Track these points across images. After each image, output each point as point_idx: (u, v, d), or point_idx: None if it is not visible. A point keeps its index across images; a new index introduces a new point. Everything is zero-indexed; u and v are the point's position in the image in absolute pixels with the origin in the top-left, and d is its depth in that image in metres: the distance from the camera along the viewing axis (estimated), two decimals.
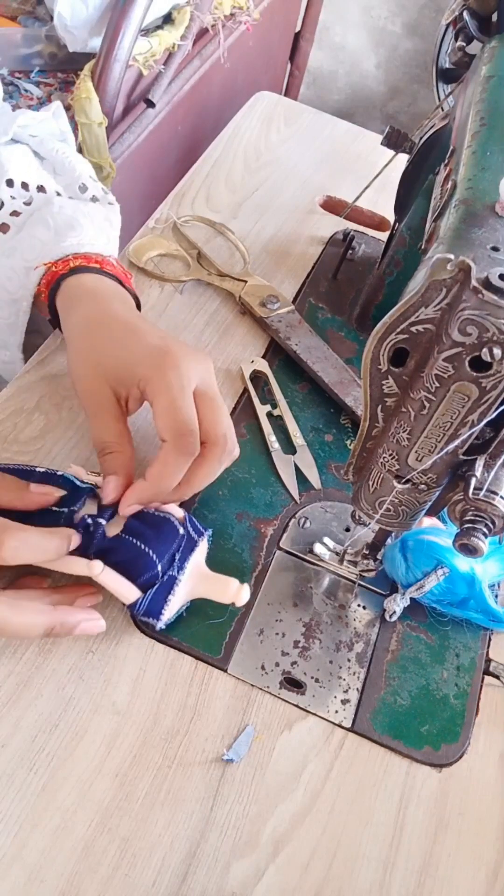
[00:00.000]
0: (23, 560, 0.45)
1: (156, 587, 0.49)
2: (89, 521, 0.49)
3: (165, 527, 0.50)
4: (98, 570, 0.47)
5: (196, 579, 0.51)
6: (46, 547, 0.46)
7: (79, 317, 0.55)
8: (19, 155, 0.62)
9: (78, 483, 0.52)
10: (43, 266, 0.58)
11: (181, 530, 0.51)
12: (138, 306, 0.60)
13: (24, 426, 0.60)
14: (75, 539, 0.48)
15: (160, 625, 0.49)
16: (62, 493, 0.50)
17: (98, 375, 0.52)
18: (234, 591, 0.50)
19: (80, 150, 0.88)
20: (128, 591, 0.48)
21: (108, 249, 0.61)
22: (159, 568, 0.49)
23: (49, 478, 0.52)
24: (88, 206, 0.62)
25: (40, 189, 0.62)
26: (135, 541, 0.49)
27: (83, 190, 0.65)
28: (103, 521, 0.49)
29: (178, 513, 0.52)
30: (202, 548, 0.52)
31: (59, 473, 0.52)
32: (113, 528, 0.50)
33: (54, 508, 0.50)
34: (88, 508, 0.51)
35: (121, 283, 0.59)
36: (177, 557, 0.50)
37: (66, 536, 0.47)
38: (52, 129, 0.67)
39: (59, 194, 0.63)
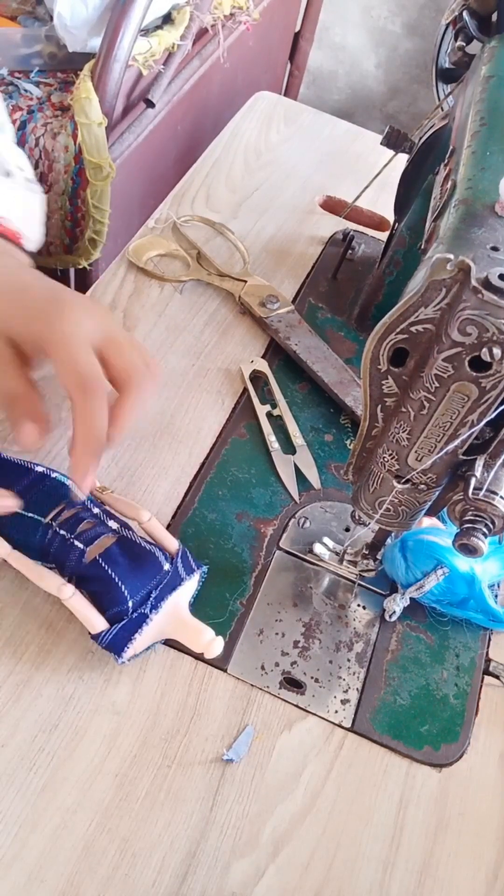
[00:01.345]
0: None
1: (123, 623, 0.47)
2: (64, 534, 0.49)
3: (148, 561, 0.49)
4: (67, 594, 0.47)
5: (171, 620, 0.49)
6: None
7: None
8: None
9: (70, 486, 0.51)
10: None
11: (166, 566, 0.49)
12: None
13: None
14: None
15: (120, 661, 0.47)
16: (17, 503, 0.49)
17: None
18: (205, 642, 0.48)
19: (79, 151, 0.88)
20: (94, 621, 0.47)
21: (24, 227, 0.60)
22: (130, 604, 0.47)
23: (42, 479, 0.52)
24: (5, 182, 0.61)
25: None
26: (110, 571, 0.48)
27: (7, 176, 0.63)
28: (81, 546, 0.48)
29: (172, 545, 0.51)
30: (188, 586, 0.51)
31: (53, 475, 0.52)
32: (93, 552, 0.49)
33: (31, 515, 0.50)
34: (65, 516, 0.50)
35: (8, 238, 0.57)
36: (153, 595, 0.48)
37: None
38: None
39: None
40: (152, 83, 0.95)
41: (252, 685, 0.51)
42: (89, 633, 0.48)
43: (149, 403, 0.51)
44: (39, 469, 0.52)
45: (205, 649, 0.48)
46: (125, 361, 0.49)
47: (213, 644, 0.48)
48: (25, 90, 0.97)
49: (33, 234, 0.62)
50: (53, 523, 0.49)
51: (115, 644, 0.47)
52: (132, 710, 0.49)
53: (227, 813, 0.46)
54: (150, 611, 0.48)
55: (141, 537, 0.51)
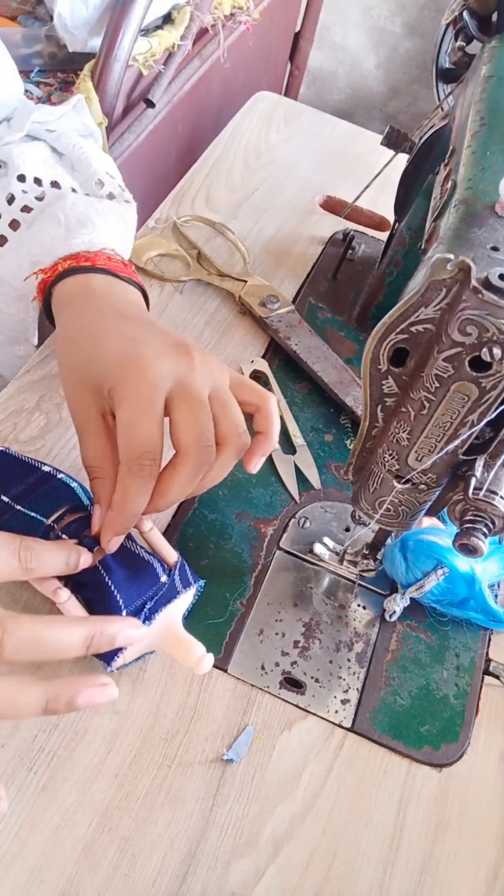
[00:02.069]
0: (34, 574, 0.44)
1: None
2: (65, 539, 0.48)
3: (145, 572, 0.49)
4: (63, 598, 0.46)
5: (163, 633, 0.48)
6: (60, 642, 0.40)
7: (60, 328, 0.52)
8: (34, 151, 0.61)
9: (77, 492, 0.51)
10: (33, 276, 0.55)
11: (162, 578, 0.49)
12: (145, 297, 0.57)
13: (24, 426, 0.60)
14: (84, 558, 0.46)
15: (109, 668, 0.47)
16: (89, 560, 0.47)
17: (77, 388, 0.48)
18: (195, 659, 0.47)
19: None
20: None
21: (121, 247, 0.59)
22: (123, 614, 0.46)
23: (48, 478, 0.51)
24: (103, 203, 0.61)
25: (54, 185, 0.61)
26: (107, 579, 0.47)
27: (100, 186, 0.63)
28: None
29: (171, 557, 0.51)
30: (183, 600, 0.50)
31: (59, 476, 0.51)
32: (94, 558, 0.48)
33: (33, 514, 0.49)
34: (67, 520, 0.50)
35: (117, 275, 0.55)
36: (147, 606, 0.47)
37: (77, 552, 0.45)
38: (73, 123, 0.66)
39: (74, 190, 0.62)
40: (152, 83, 0.95)
41: (252, 685, 0.51)
42: None
43: (218, 478, 0.47)
44: (46, 468, 0.52)
45: (195, 666, 0.47)
46: (220, 424, 0.45)
47: (203, 661, 0.47)
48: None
49: (128, 249, 0.62)
50: (56, 525, 0.49)
51: (105, 654, 0.46)
52: (132, 710, 0.49)
53: (227, 813, 0.46)
54: (144, 622, 0.47)
55: (141, 546, 0.50)
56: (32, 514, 0.50)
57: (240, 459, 0.50)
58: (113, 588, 0.47)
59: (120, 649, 0.46)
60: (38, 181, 0.60)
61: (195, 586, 0.51)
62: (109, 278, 0.54)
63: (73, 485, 0.51)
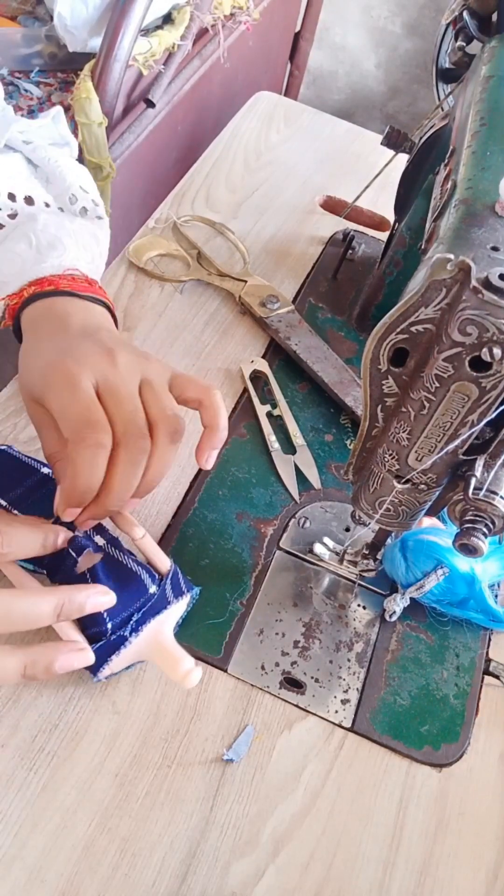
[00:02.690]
0: (9, 557, 0.44)
1: (100, 643, 0.46)
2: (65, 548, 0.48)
3: (132, 584, 0.48)
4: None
5: (150, 645, 0.47)
6: (31, 612, 0.42)
7: (21, 350, 0.53)
8: (9, 164, 0.61)
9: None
10: (1, 301, 0.56)
11: (152, 589, 0.48)
12: (113, 311, 0.57)
13: (24, 426, 0.60)
14: (62, 537, 0.46)
15: (96, 679, 0.47)
16: (112, 601, 0.46)
17: (28, 401, 0.50)
18: (182, 673, 0.46)
19: (79, 151, 0.88)
20: (71, 637, 0.46)
21: (93, 267, 0.59)
22: (109, 626, 0.46)
23: (47, 481, 0.51)
24: (75, 222, 0.61)
25: (28, 200, 0.60)
26: None
27: (73, 201, 0.63)
28: (74, 555, 0.47)
29: (164, 566, 0.50)
30: (175, 610, 0.50)
31: None
32: (84, 564, 0.48)
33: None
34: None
35: (79, 294, 0.55)
36: (134, 618, 0.47)
37: (53, 532, 0.46)
38: (51, 134, 0.66)
39: (47, 205, 0.62)
40: (152, 83, 0.95)
41: (252, 685, 0.51)
42: None
43: (162, 467, 0.47)
44: (45, 470, 0.52)
45: (182, 679, 0.46)
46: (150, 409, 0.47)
47: (190, 675, 0.46)
48: (25, 90, 0.97)
49: (100, 270, 0.61)
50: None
51: (91, 665, 0.46)
52: (132, 710, 0.49)
53: (227, 813, 0.46)
54: (130, 634, 0.47)
55: (131, 554, 0.49)
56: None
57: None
58: None
59: (105, 662, 0.46)
60: (11, 196, 0.60)
61: (188, 595, 0.51)
62: (70, 299, 0.54)
63: None
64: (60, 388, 0.46)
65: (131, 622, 0.47)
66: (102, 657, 0.46)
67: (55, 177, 0.63)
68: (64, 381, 0.46)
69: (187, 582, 0.52)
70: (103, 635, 0.46)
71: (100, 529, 0.50)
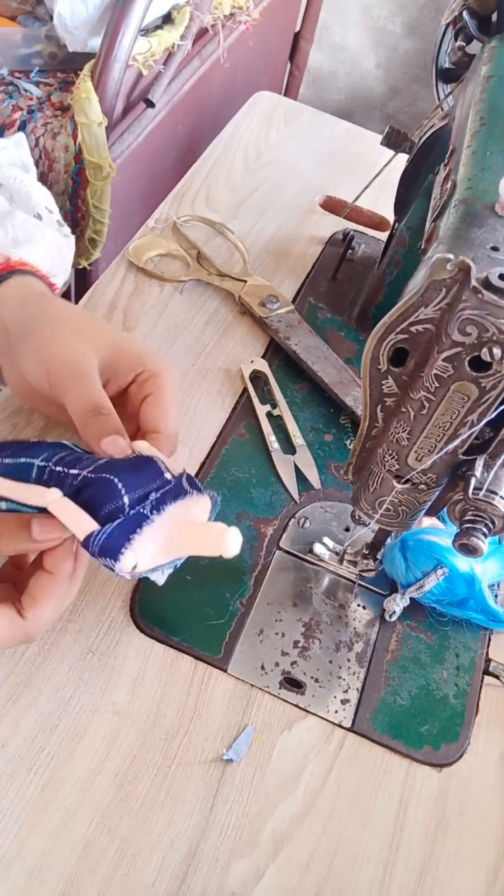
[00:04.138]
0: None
1: (117, 521, 0.40)
2: (60, 470, 0.43)
3: (146, 465, 0.43)
4: (53, 496, 0.41)
5: (177, 529, 0.42)
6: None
7: (40, 311, 0.53)
8: None
9: (69, 445, 0.46)
10: None
11: (167, 475, 0.43)
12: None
13: (23, 426, 0.60)
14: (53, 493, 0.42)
15: (119, 568, 0.40)
16: (67, 535, 0.43)
17: (86, 348, 0.49)
18: (216, 533, 0.41)
19: (79, 151, 0.88)
20: (83, 522, 0.41)
21: (55, 273, 0.60)
22: (126, 500, 0.41)
23: (38, 443, 0.46)
24: (49, 231, 0.62)
25: None
26: (104, 473, 0.42)
27: (38, 220, 0.63)
28: (74, 471, 0.43)
29: (177, 468, 0.45)
30: (196, 502, 0.44)
31: (47, 440, 0.47)
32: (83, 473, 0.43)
33: (26, 460, 0.44)
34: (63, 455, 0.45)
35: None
36: (152, 497, 0.42)
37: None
38: (12, 157, 0.66)
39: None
40: (152, 83, 0.95)
41: (252, 685, 0.51)
42: (80, 542, 0.41)
43: None
44: (34, 440, 0.47)
45: (220, 545, 0.41)
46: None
47: (226, 537, 0.41)
48: (25, 90, 0.97)
49: (62, 275, 0.62)
50: (48, 462, 0.44)
51: (108, 547, 0.40)
52: (132, 710, 0.49)
53: (227, 813, 0.46)
54: (151, 512, 0.41)
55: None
56: (23, 459, 0.44)
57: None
58: (111, 476, 0.42)
59: (127, 542, 0.40)
60: None
61: (207, 494, 0.44)
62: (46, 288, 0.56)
63: (66, 442, 0.47)
64: (171, 382, 0.50)
65: (150, 500, 0.42)
66: (120, 538, 0.40)
67: (19, 196, 0.64)
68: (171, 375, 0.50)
69: (210, 489, 0.46)
70: (120, 512, 0.41)
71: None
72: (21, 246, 0.58)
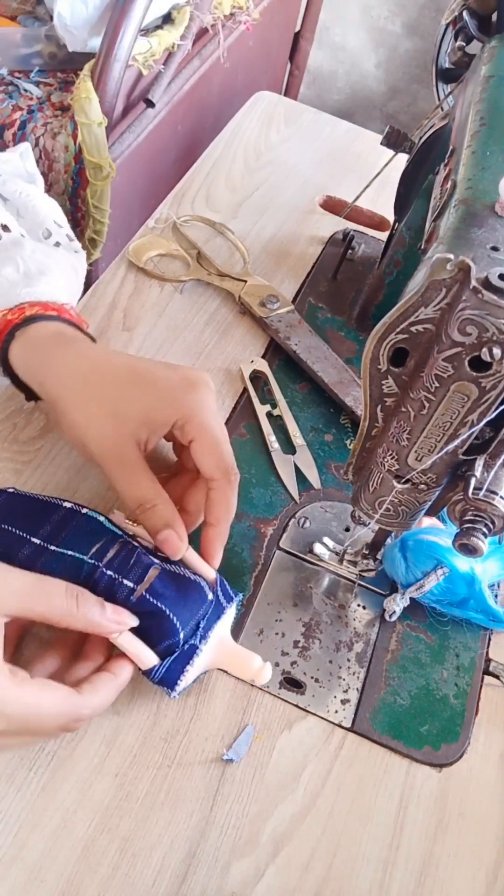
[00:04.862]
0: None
1: (175, 655, 0.46)
2: (111, 575, 0.46)
3: (193, 591, 0.48)
4: (116, 633, 0.45)
5: (218, 650, 0.49)
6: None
7: (64, 369, 0.51)
8: None
9: (106, 525, 0.49)
10: None
11: (210, 595, 0.48)
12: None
13: (23, 426, 0.60)
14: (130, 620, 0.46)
15: (174, 694, 0.46)
16: (135, 622, 0.46)
17: (118, 427, 0.49)
18: (255, 670, 0.48)
19: (79, 151, 0.88)
20: (146, 657, 0.46)
21: (72, 299, 0.59)
22: (181, 636, 0.46)
23: (74, 515, 0.49)
24: (59, 252, 0.60)
25: (4, 228, 0.59)
26: (158, 604, 0.46)
27: (46, 235, 0.62)
28: (131, 584, 0.46)
29: (210, 574, 0.50)
30: (228, 616, 0.50)
31: (83, 511, 0.49)
32: (140, 589, 0.46)
33: (74, 554, 0.47)
34: (110, 555, 0.47)
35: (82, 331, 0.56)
36: (201, 625, 0.48)
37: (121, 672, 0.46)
38: (17, 169, 0.65)
39: (23, 236, 0.60)
40: (152, 83, 0.95)
41: (252, 685, 0.51)
42: (140, 671, 0.46)
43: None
44: (67, 505, 0.49)
45: (255, 677, 0.49)
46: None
47: (263, 671, 0.48)
48: (25, 90, 0.97)
49: (78, 292, 0.62)
50: (99, 563, 0.46)
51: (167, 678, 0.46)
52: (132, 710, 0.49)
53: (227, 813, 0.46)
54: (200, 641, 0.47)
55: (182, 566, 0.49)
56: (70, 552, 0.47)
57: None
58: (168, 612, 0.46)
59: (182, 674, 0.46)
60: None
61: (235, 600, 0.51)
62: (77, 330, 0.55)
63: (101, 518, 0.49)
64: (212, 417, 0.50)
65: (199, 630, 0.47)
66: (178, 670, 0.46)
67: (27, 210, 0.62)
68: (213, 409, 0.51)
69: (232, 588, 0.51)
70: (176, 646, 0.46)
71: (150, 549, 0.49)
72: (35, 280, 0.56)
